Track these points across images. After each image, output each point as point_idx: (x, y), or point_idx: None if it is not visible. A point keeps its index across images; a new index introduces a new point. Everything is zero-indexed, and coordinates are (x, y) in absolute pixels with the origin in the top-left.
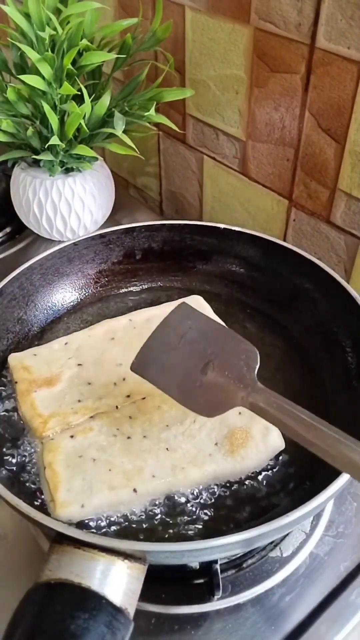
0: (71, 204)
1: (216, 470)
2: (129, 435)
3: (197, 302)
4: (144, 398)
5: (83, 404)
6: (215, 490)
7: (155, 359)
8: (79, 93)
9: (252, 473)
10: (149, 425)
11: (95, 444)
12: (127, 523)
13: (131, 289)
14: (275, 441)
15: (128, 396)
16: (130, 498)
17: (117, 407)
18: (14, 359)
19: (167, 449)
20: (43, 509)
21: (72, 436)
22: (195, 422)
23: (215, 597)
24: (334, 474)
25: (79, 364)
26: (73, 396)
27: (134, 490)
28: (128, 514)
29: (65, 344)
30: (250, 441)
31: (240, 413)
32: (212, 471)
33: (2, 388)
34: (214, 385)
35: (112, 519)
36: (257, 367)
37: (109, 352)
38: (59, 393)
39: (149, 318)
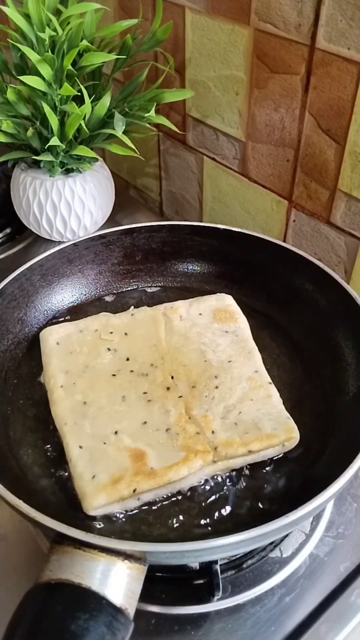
0: (71, 204)
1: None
2: (192, 385)
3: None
4: (172, 377)
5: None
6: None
7: None
8: (79, 94)
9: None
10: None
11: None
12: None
13: (131, 289)
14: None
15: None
16: None
17: (168, 388)
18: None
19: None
20: (43, 508)
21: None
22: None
23: (215, 597)
24: (334, 474)
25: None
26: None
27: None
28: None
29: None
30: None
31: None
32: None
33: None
34: None
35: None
36: None
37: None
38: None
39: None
